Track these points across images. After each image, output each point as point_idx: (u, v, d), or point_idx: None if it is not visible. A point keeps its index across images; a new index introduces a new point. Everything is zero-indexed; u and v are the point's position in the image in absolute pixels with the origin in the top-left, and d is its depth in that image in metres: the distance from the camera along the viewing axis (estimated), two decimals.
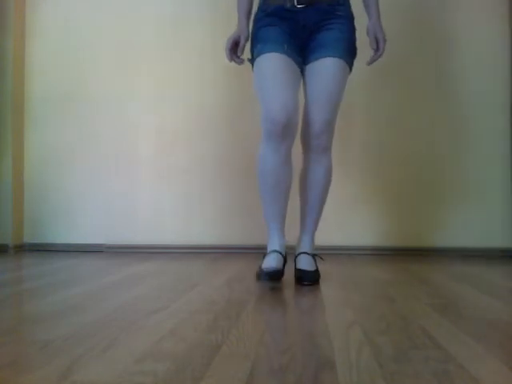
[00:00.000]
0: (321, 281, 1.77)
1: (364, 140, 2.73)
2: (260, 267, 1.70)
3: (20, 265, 2.37)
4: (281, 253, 1.69)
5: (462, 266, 2.24)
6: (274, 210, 1.74)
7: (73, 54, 2.93)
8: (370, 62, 1.78)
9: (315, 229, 1.85)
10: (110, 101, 2.89)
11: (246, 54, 1.80)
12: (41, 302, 1.43)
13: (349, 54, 1.75)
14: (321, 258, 1.89)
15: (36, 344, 1.00)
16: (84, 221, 2.90)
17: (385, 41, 1.76)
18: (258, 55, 1.71)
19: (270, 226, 1.76)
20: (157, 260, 2.45)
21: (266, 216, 1.77)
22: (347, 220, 2.73)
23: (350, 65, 1.77)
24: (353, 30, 1.77)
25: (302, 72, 1.76)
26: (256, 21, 1.78)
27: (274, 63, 1.66)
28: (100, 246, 2.86)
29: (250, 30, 1.80)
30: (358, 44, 1.81)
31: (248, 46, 1.80)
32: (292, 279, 1.81)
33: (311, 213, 1.82)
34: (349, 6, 1.77)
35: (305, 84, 1.77)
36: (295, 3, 1.69)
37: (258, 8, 1.80)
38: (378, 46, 1.75)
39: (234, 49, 1.75)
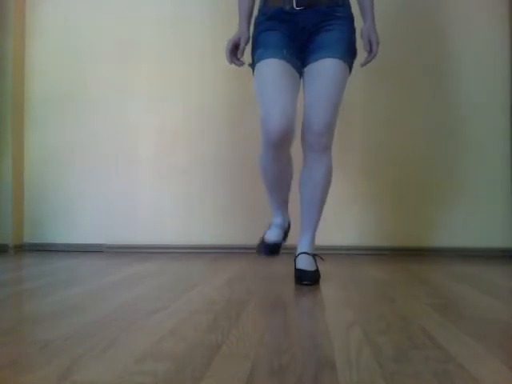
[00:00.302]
0: (321, 281, 1.77)
1: (364, 140, 2.73)
2: (262, 238, 1.91)
3: (20, 265, 2.37)
4: (282, 227, 1.90)
5: (462, 265, 2.24)
6: (278, 197, 1.88)
7: (73, 54, 2.93)
8: (364, 64, 1.80)
9: (315, 229, 1.85)
10: (110, 101, 2.89)
11: (246, 57, 1.80)
12: (41, 302, 1.43)
13: (349, 54, 1.75)
14: (321, 258, 1.89)
15: (36, 344, 1.00)
16: (84, 221, 2.90)
17: (378, 43, 1.78)
18: (258, 60, 1.72)
19: (273, 206, 1.92)
20: (157, 260, 2.45)
21: (271, 201, 1.91)
22: (347, 220, 2.73)
23: (350, 65, 1.78)
24: (353, 30, 1.78)
25: (301, 75, 1.78)
26: (256, 24, 1.79)
27: (274, 69, 1.68)
28: (100, 245, 2.86)
29: (251, 34, 1.81)
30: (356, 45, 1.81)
31: (248, 48, 1.81)
32: (292, 279, 1.81)
33: (311, 213, 1.83)
34: (348, 7, 1.78)
35: (304, 85, 1.77)
36: (294, 5, 1.70)
37: (259, 11, 1.80)
38: (371, 49, 1.77)
39: (234, 51, 1.77)
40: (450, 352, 0.94)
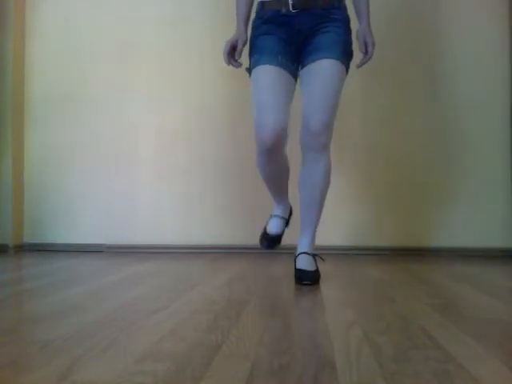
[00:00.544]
0: (321, 281, 1.77)
1: (365, 141, 2.73)
2: (264, 229, 2.03)
3: (20, 265, 2.37)
4: (283, 217, 2.02)
5: (462, 265, 2.24)
6: (277, 189, 1.97)
7: (73, 54, 2.93)
8: (359, 65, 1.82)
9: (315, 229, 1.86)
10: (110, 101, 2.89)
11: (244, 58, 1.82)
12: (41, 302, 1.43)
13: (345, 55, 1.77)
14: (321, 259, 1.89)
15: (36, 344, 1.00)
16: (84, 221, 2.90)
17: (374, 45, 1.80)
18: (254, 66, 1.76)
19: (274, 198, 2.01)
20: (157, 260, 2.45)
21: (271, 193, 1.99)
22: (347, 220, 2.73)
23: (347, 66, 1.79)
24: (349, 32, 1.80)
25: (298, 77, 1.81)
26: (254, 28, 1.82)
27: (268, 77, 1.71)
28: (100, 245, 2.86)
29: (249, 36, 1.84)
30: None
31: (245, 49, 1.83)
32: (292, 279, 1.81)
33: (311, 213, 1.83)
34: (344, 9, 1.80)
35: (302, 86, 1.79)
36: (290, 8, 1.72)
37: (256, 14, 1.82)
38: (366, 50, 1.79)
39: (232, 52, 1.80)
40: (450, 352, 0.94)
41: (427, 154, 2.70)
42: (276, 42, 1.74)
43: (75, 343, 1.01)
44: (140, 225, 2.85)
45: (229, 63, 1.81)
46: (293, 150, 1.90)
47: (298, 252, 1.82)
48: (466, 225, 2.66)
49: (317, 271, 1.76)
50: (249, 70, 1.81)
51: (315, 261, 1.80)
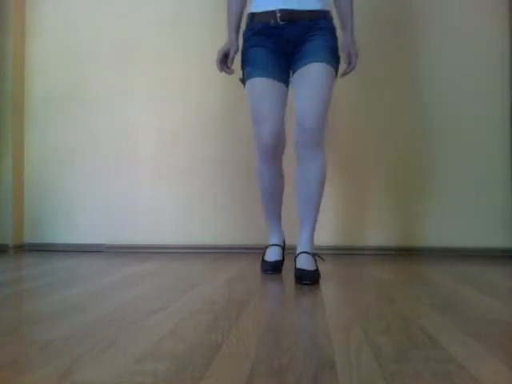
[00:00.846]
0: (321, 281, 1.77)
1: (364, 140, 2.73)
2: (263, 259, 2.03)
3: (20, 265, 2.37)
4: (279, 245, 2.04)
5: (462, 265, 2.24)
6: (273, 210, 2.03)
7: (73, 54, 2.93)
8: (343, 75, 1.93)
9: (314, 227, 1.88)
10: (110, 101, 2.89)
11: (236, 65, 1.94)
12: (41, 302, 1.43)
13: (333, 59, 1.85)
14: (321, 258, 1.91)
15: (36, 344, 1.00)
16: (84, 221, 2.90)
17: (357, 56, 1.90)
18: (248, 78, 1.87)
19: (269, 222, 2.07)
20: (157, 260, 2.45)
21: (266, 215, 2.06)
22: (347, 220, 2.73)
23: (336, 69, 1.87)
24: (335, 39, 1.88)
25: (289, 83, 1.90)
26: (245, 40, 1.92)
27: (262, 88, 1.83)
28: (100, 245, 2.86)
29: (240, 47, 1.94)
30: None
31: (237, 57, 1.93)
32: (292, 279, 1.81)
33: (309, 211, 1.86)
34: (330, 19, 1.89)
35: (294, 89, 1.87)
36: (278, 20, 1.81)
37: (246, 26, 1.92)
38: (350, 61, 1.90)
39: (224, 60, 1.92)
40: (449, 352, 0.94)
41: (427, 154, 2.70)
42: (267, 54, 1.84)
43: (75, 343, 1.01)
44: (140, 225, 2.85)
45: (221, 70, 1.94)
46: (289, 160, 1.92)
47: (297, 251, 1.84)
48: (466, 225, 2.66)
49: (317, 271, 1.77)
50: (242, 81, 1.92)
51: (315, 260, 1.81)
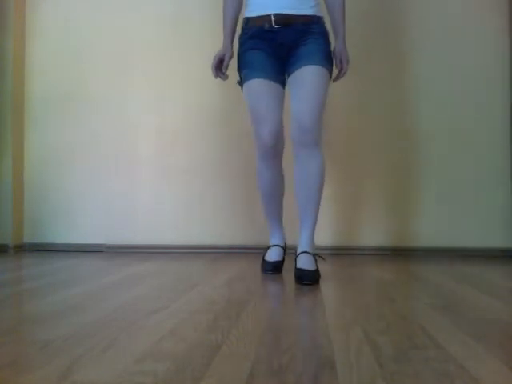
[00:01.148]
0: (321, 281, 1.77)
1: (364, 140, 2.73)
2: (263, 259, 2.03)
3: (20, 265, 2.37)
4: (280, 246, 2.05)
5: (462, 265, 2.24)
6: (273, 210, 2.04)
7: (73, 54, 2.93)
8: (335, 80, 1.99)
9: (314, 227, 1.89)
10: (110, 101, 2.89)
11: (230, 70, 1.98)
12: (41, 302, 1.43)
13: (326, 61, 1.89)
14: (322, 258, 1.92)
15: (36, 344, 1.00)
16: (84, 221, 2.90)
17: (348, 62, 1.96)
18: (245, 81, 1.90)
19: (270, 223, 2.08)
20: (157, 260, 2.45)
21: (267, 215, 2.07)
22: (347, 220, 2.73)
23: (330, 71, 1.92)
24: (328, 43, 1.92)
25: (285, 85, 1.93)
26: (241, 43, 1.96)
27: (260, 89, 1.87)
28: (100, 245, 2.86)
29: (236, 51, 1.97)
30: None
31: (232, 63, 1.97)
32: (292, 279, 1.81)
33: (309, 211, 1.87)
34: (323, 24, 1.93)
35: (290, 91, 1.90)
36: (273, 24, 1.86)
37: (242, 30, 1.95)
38: (342, 66, 1.95)
39: (219, 66, 1.96)
40: (449, 352, 0.94)
41: (427, 154, 2.70)
42: (263, 56, 1.88)
43: (75, 343, 1.01)
44: (140, 225, 2.85)
45: (217, 76, 1.98)
46: (289, 160, 1.93)
47: (298, 251, 1.84)
48: (466, 225, 2.66)
49: (317, 271, 1.77)
50: (240, 84, 1.95)
51: (316, 260, 1.81)
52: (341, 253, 2.67)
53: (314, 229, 1.89)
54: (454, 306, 1.36)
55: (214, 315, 1.26)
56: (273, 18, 1.85)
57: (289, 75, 1.90)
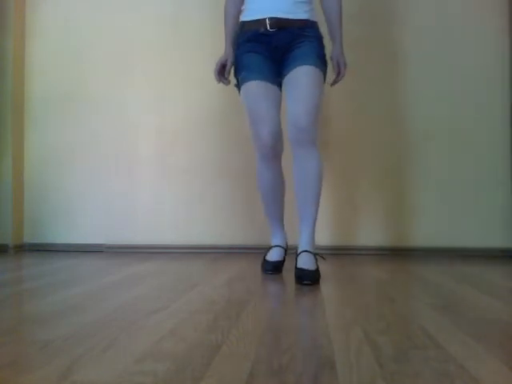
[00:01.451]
0: (321, 281, 1.77)
1: (363, 140, 2.73)
2: (264, 259, 2.03)
3: (20, 265, 2.37)
4: (282, 246, 2.05)
5: (462, 265, 2.24)
6: (274, 210, 2.05)
7: (73, 54, 2.93)
8: (332, 84, 2.03)
9: (314, 226, 1.90)
10: (110, 101, 2.89)
11: (232, 76, 2.01)
12: (41, 302, 1.43)
13: (320, 62, 1.92)
14: (322, 258, 1.93)
15: (36, 344, 1.00)
16: (84, 221, 2.90)
17: (345, 66, 1.99)
18: (243, 83, 1.93)
19: (271, 223, 2.08)
20: (157, 260, 2.45)
21: (268, 216, 2.08)
22: (347, 220, 2.73)
23: (324, 73, 1.94)
24: (322, 46, 1.96)
25: (281, 87, 1.95)
26: (237, 46, 1.99)
27: (257, 91, 1.89)
28: (100, 245, 2.86)
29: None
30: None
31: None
32: (292, 279, 1.81)
33: (309, 210, 1.88)
34: (317, 28, 1.97)
35: (286, 91, 1.93)
36: (268, 28, 1.90)
37: (238, 34, 1.99)
38: (339, 71, 1.99)
39: (222, 71, 2.00)
40: (449, 352, 0.94)
41: (426, 154, 2.70)
42: (259, 59, 1.92)
43: (75, 343, 1.01)
44: (140, 225, 2.85)
45: (219, 81, 2.01)
46: (288, 161, 1.93)
47: (298, 250, 1.84)
48: (466, 225, 2.66)
49: (317, 271, 1.77)
50: (238, 87, 1.98)
51: (316, 260, 1.81)
52: (340, 253, 2.67)
53: (314, 228, 1.89)
54: (454, 306, 1.36)
55: (214, 315, 1.26)
56: (268, 22, 1.89)
57: (284, 77, 1.92)
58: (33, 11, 2.98)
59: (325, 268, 2.06)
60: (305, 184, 1.87)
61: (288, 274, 1.94)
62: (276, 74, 1.94)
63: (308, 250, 1.83)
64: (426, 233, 2.69)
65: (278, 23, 1.90)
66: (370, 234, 2.71)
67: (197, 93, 2.83)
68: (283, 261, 2.03)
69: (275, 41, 1.91)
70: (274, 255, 2.02)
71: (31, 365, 0.89)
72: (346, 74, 2.01)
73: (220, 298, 1.49)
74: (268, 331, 1.11)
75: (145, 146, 2.87)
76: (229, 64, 1.99)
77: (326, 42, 2.01)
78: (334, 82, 2.02)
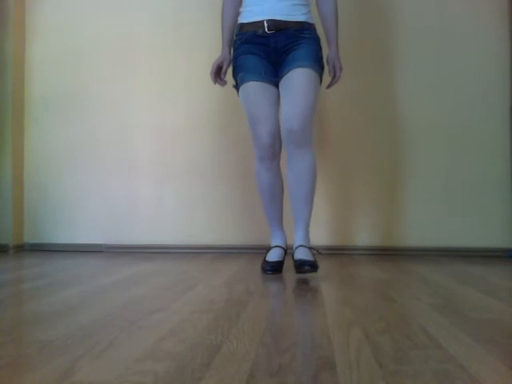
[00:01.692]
0: (321, 281, 1.77)
1: (363, 140, 2.73)
2: (264, 259, 2.03)
3: (20, 265, 2.37)
4: (282, 247, 2.05)
5: (462, 265, 2.24)
6: (273, 211, 2.07)
7: (73, 54, 2.93)
8: (328, 87, 2.08)
9: (308, 223, 1.96)
10: (110, 101, 2.89)
11: (228, 76, 2.07)
12: (41, 302, 1.43)
13: (317, 65, 1.95)
14: (318, 252, 1.97)
15: (36, 344, 1.00)
16: (84, 221, 2.90)
17: (341, 69, 2.04)
18: (241, 83, 1.97)
19: (270, 223, 2.10)
20: (157, 260, 2.45)
21: (268, 216, 2.09)
22: (347, 220, 2.73)
23: (320, 75, 1.97)
24: (319, 48, 2.00)
25: (278, 87, 1.98)
26: (235, 48, 2.03)
27: (255, 91, 1.93)
28: (100, 245, 2.86)
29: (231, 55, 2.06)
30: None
31: (230, 69, 2.06)
32: (292, 279, 1.82)
33: (303, 208, 1.94)
34: (314, 30, 2.00)
35: (281, 93, 1.96)
36: (266, 29, 1.94)
37: (236, 36, 2.04)
38: (335, 74, 2.03)
39: (218, 72, 2.05)
40: (450, 352, 0.94)
41: (426, 154, 2.70)
42: (258, 60, 1.96)
43: (75, 343, 1.01)
44: (140, 225, 2.85)
45: (215, 82, 2.06)
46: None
47: (295, 246, 1.91)
48: (466, 225, 2.66)
49: (315, 261, 1.82)
50: (236, 87, 2.02)
51: (312, 254, 1.87)
52: (340, 253, 2.67)
53: (308, 224, 1.95)
54: (454, 306, 1.36)
55: (214, 315, 1.26)
56: (266, 24, 1.93)
57: (281, 78, 1.96)
58: (33, 11, 2.98)
59: (325, 268, 2.06)
60: (298, 183, 1.91)
61: (288, 274, 1.94)
62: (273, 74, 1.97)
63: (304, 244, 1.89)
64: (426, 232, 2.68)
65: (275, 25, 1.93)
66: (370, 233, 2.71)
67: (197, 93, 2.83)
68: (283, 261, 2.04)
69: (273, 42, 1.94)
70: (273, 255, 2.03)
71: (31, 365, 0.89)
72: (345, 74, 2.04)
73: (220, 297, 1.49)
74: (268, 331, 1.11)
75: (145, 146, 2.87)
76: (225, 65, 2.04)
77: (323, 44, 2.04)
78: (330, 85, 2.07)
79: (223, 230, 2.79)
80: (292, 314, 1.34)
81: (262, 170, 1.99)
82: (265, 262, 2.04)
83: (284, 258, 2.05)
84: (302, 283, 1.76)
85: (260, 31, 1.94)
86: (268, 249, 2.08)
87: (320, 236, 2.65)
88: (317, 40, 1.99)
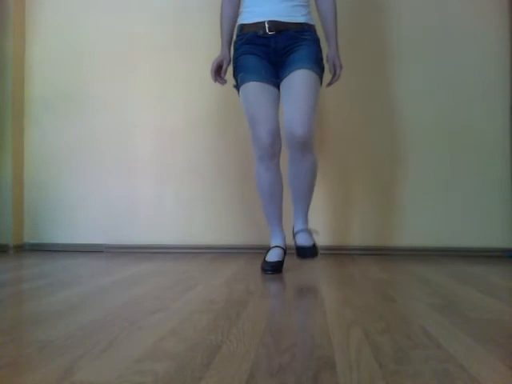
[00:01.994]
0: (321, 281, 1.77)
1: (363, 140, 2.73)
2: (264, 259, 2.04)
3: (20, 265, 2.37)
4: (281, 247, 2.06)
5: (462, 265, 2.24)
6: (273, 211, 2.07)
7: (73, 54, 2.93)
8: (329, 85, 2.08)
9: (307, 211, 2.04)
10: (110, 101, 2.89)
11: (228, 75, 2.07)
12: (41, 302, 1.43)
13: (317, 66, 1.96)
14: (316, 232, 2.05)
15: (36, 344, 1.00)
16: (84, 221, 2.90)
17: (341, 67, 2.05)
18: (242, 84, 1.99)
19: (270, 223, 2.10)
20: (157, 260, 2.45)
21: (267, 216, 2.10)
22: (347, 220, 2.73)
23: (320, 76, 1.98)
24: (319, 49, 2.01)
25: (279, 88, 2.00)
26: (235, 49, 2.05)
27: (256, 91, 1.95)
28: (100, 245, 2.86)
29: (231, 56, 2.07)
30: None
31: (229, 68, 2.07)
32: (292, 279, 1.82)
33: (302, 202, 2.02)
34: (314, 31, 2.02)
35: (282, 95, 1.98)
36: (267, 31, 1.95)
37: (236, 36, 2.06)
38: (335, 72, 2.04)
39: (218, 71, 2.05)
40: (450, 352, 0.94)
41: (426, 154, 2.70)
42: (258, 60, 1.97)
43: (75, 343, 1.01)
44: (140, 225, 2.85)
45: (215, 80, 2.06)
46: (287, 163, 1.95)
47: (295, 231, 2.01)
48: (466, 225, 2.66)
49: (314, 246, 1.96)
50: (236, 87, 2.03)
51: (311, 235, 1.98)
52: (339, 253, 2.67)
53: (307, 213, 2.02)
54: (454, 306, 1.36)
55: (214, 315, 1.26)
56: (267, 25, 1.94)
57: (281, 80, 1.97)
58: (33, 11, 2.98)
59: (325, 268, 2.06)
60: (298, 178, 1.97)
61: (288, 274, 1.94)
62: (273, 75, 1.98)
63: (304, 228, 1.99)
64: (426, 232, 2.68)
65: (276, 26, 1.94)
66: (369, 233, 2.71)
67: (197, 93, 2.83)
68: (283, 261, 2.04)
69: (273, 43, 1.95)
70: (273, 255, 2.03)
71: (31, 365, 0.89)
72: (344, 74, 2.05)
73: (220, 297, 1.49)
74: (268, 331, 1.11)
75: (145, 146, 2.87)
76: (225, 64, 2.04)
77: (323, 44, 2.05)
78: (330, 83, 2.07)
79: (223, 230, 2.79)
80: (292, 314, 1.34)
81: (261, 170, 2.00)
82: (265, 262, 2.04)
83: (284, 258, 2.05)
84: (302, 283, 1.76)
85: (261, 32, 1.96)
86: (268, 249, 2.08)
87: (320, 236, 2.64)
88: (317, 41, 2.01)
